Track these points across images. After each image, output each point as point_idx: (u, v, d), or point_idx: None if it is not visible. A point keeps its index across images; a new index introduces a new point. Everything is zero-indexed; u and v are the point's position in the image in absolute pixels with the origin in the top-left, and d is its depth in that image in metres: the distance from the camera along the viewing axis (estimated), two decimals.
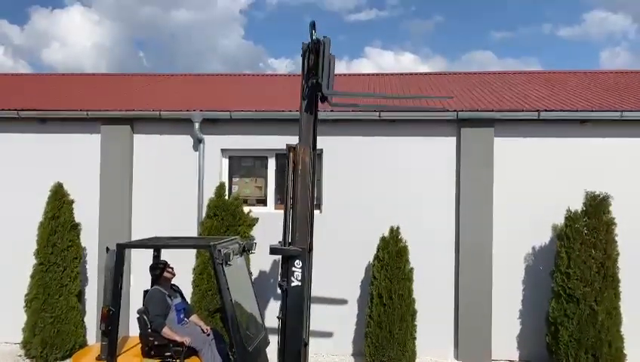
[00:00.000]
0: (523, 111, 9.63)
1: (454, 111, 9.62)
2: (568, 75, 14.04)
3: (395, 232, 9.22)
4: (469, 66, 44.54)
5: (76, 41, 42.94)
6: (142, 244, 6.90)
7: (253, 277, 8.73)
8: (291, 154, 6.56)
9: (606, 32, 44.80)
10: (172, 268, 6.82)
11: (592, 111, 9.55)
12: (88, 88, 13.48)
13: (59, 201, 9.60)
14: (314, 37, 6.46)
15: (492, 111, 9.66)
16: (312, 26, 6.46)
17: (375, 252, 9.24)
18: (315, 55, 6.41)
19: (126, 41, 47.15)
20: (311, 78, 6.49)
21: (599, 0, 45.02)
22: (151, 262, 6.98)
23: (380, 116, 9.72)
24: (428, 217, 9.74)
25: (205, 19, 47.32)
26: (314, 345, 8.66)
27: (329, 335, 9.78)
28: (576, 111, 9.56)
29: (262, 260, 9.01)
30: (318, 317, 8.73)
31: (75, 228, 9.73)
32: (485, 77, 14.09)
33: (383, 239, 9.24)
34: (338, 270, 9.63)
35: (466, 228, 9.67)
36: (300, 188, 6.42)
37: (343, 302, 9.82)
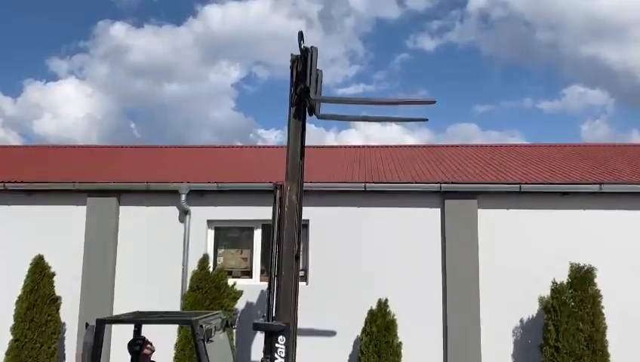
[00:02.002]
0: (505, 184, 9.82)
1: (438, 183, 9.79)
2: (549, 148, 14.44)
3: (383, 305, 9.11)
4: (453, 138, 45.66)
5: (68, 112, 43.69)
6: (122, 320, 6.75)
7: (236, 352, 8.49)
8: (278, 191, 6.59)
9: (585, 105, 46.51)
10: (151, 344, 6.65)
11: (572, 183, 9.77)
12: (76, 160, 13.58)
13: (39, 274, 9.45)
14: (302, 46, 6.71)
15: (475, 183, 9.85)
16: (301, 35, 6.72)
17: (363, 326, 9.09)
18: (303, 62, 6.64)
19: (118, 113, 47.95)
20: (299, 84, 6.67)
21: (577, 76, 47.06)
22: (131, 338, 6.79)
23: (365, 188, 9.86)
24: (415, 289, 9.66)
25: (197, 92, 48.61)
26: None
27: None
28: (557, 183, 9.78)
29: (247, 333, 8.80)
30: None
31: (55, 301, 9.52)
32: (469, 149, 14.43)
33: (371, 312, 9.11)
34: (325, 344, 9.39)
35: (453, 300, 9.59)
36: (287, 226, 6.41)
37: None
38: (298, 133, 6.81)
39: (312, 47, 6.62)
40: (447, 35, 50.17)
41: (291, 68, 6.95)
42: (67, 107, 43.33)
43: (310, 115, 6.93)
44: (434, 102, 6.46)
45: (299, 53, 6.83)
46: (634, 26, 39.10)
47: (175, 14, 53.30)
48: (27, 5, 45.54)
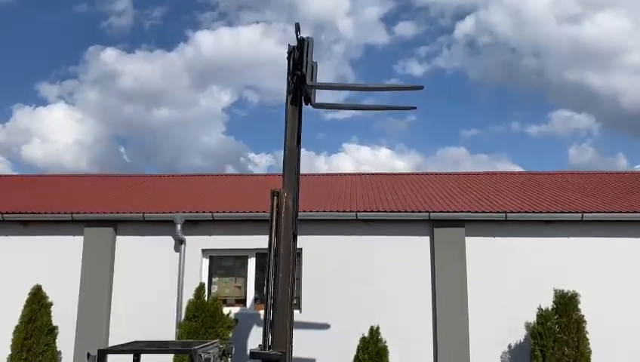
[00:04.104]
0: (491, 213, 10.17)
1: (427, 212, 10.12)
2: (534, 175, 14.87)
3: (375, 332, 9.34)
4: (443, 161, 46.27)
5: (57, 137, 43.76)
6: (123, 350, 6.91)
7: None
8: (275, 198, 6.86)
9: (571, 129, 47.49)
10: None
11: (555, 212, 10.15)
12: (72, 190, 13.76)
13: (37, 304, 9.58)
14: (299, 36, 7.17)
15: (462, 212, 10.20)
16: (297, 27, 7.20)
17: (355, 353, 9.29)
18: (300, 51, 7.10)
19: (107, 138, 48.07)
20: (296, 72, 7.13)
21: (563, 100, 48.13)
22: None
23: (356, 217, 10.16)
24: (406, 315, 9.91)
25: (187, 116, 49.01)
26: None
27: None
28: (540, 213, 10.15)
29: (241, 361, 8.99)
30: None
31: (52, 331, 9.64)
32: (457, 177, 14.82)
33: (363, 339, 9.33)
34: None
35: (443, 326, 9.84)
36: (283, 234, 6.66)
37: None
38: (295, 120, 7.27)
39: (308, 37, 7.15)
40: (435, 61, 51.24)
41: (288, 58, 7.44)
42: (56, 132, 43.37)
43: (306, 104, 7.38)
44: (421, 87, 6.90)
45: (295, 44, 7.29)
46: (618, 53, 40.26)
47: (166, 40, 53.90)
48: (17, 30, 45.91)
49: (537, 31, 42.51)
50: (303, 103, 7.41)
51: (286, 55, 7.45)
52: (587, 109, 46.55)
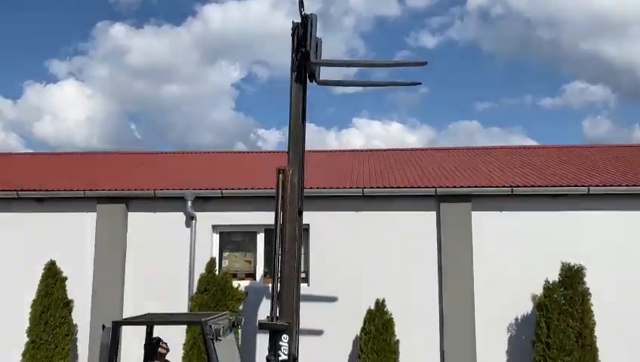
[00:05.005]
0: (497, 187, 10.22)
1: (433, 187, 10.20)
2: (542, 149, 14.84)
3: (380, 305, 9.52)
4: (455, 135, 45.97)
5: (68, 114, 44.07)
6: (137, 322, 7.16)
7: (241, 351, 8.90)
8: (280, 175, 7.02)
9: (586, 101, 46.83)
10: (166, 344, 7.06)
11: (562, 186, 10.17)
12: (84, 167, 14.00)
13: (52, 279, 9.87)
14: (302, 13, 7.22)
15: (468, 187, 10.26)
16: (301, 3, 7.24)
17: (362, 324, 9.50)
18: (304, 28, 7.17)
19: (118, 115, 48.34)
20: (300, 49, 7.19)
21: (578, 72, 47.35)
22: (143, 338, 7.20)
23: (363, 193, 10.27)
24: (412, 289, 10.07)
25: (197, 92, 49.05)
26: None
27: None
28: (547, 186, 10.18)
29: (251, 332, 9.23)
30: None
31: (68, 305, 9.94)
32: (466, 152, 14.82)
33: (369, 312, 9.52)
34: (326, 343, 9.81)
35: (449, 300, 9.99)
36: (289, 211, 6.82)
37: None
38: (300, 96, 7.37)
39: (312, 14, 7.19)
40: (447, 32, 50.58)
41: (292, 35, 7.48)
42: (67, 109, 43.66)
43: (311, 81, 7.45)
44: (425, 63, 6.98)
45: (299, 20, 7.34)
46: (634, 22, 39.46)
47: (174, 14, 53.73)
48: (25, 7, 45.95)
49: (552, 1, 41.75)
50: (308, 81, 7.46)
51: (290, 32, 7.49)
52: (602, 80, 45.89)
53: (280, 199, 6.96)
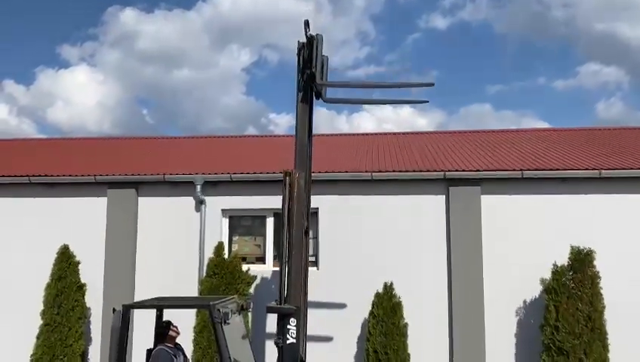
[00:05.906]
0: (507, 171, 10.14)
1: (442, 171, 10.16)
2: (554, 132, 14.68)
3: (389, 288, 9.56)
4: (466, 119, 45.66)
5: (80, 100, 44.38)
6: (147, 305, 7.26)
7: (251, 334, 9.00)
8: (287, 178, 7.05)
9: (600, 83, 46.13)
10: (176, 327, 7.15)
11: (572, 170, 10.06)
12: (95, 152, 14.11)
13: (65, 263, 10.01)
14: (308, 34, 7.16)
15: (477, 171, 10.19)
16: (307, 24, 7.16)
17: (370, 308, 9.55)
18: (309, 49, 7.10)
19: (129, 100, 48.60)
20: (306, 70, 7.16)
21: (592, 53, 46.59)
22: (153, 321, 7.30)
23: (372, 177, 10.25)
24: (421, 273, 10.09)
25: (207, 77, 49.06)
26: None
27: None
28: (557, 170, 10.08)
29: (260, 316, 9.32)
30: None
31: (81, 288, 10.09)
32: (476, 135, 14.72)
33: (377, 295, 9.57)
34: (334, 326, 9.88)
35: (457, 283, 9.99)
36: (296, 212, 6.86)
37: (340, 357, 10.02)
38: (305, 117, 7.29)
39: (317, 34, 7.11)
40: (459, 14, 49.88)
41: (297, 55, 7.42)
42: (79, 94, 43.92)
43: (317, 98, 7.42)
44: (432, 84, 6.92)
45: (305, 40, 7.27)
46: None
47: None
48: None
49: None
50: (314, 98, 7.39)
51: (296, 52, 7.41)
52: (617, 62, 45.14)
53: (287, 200, 7.01)
